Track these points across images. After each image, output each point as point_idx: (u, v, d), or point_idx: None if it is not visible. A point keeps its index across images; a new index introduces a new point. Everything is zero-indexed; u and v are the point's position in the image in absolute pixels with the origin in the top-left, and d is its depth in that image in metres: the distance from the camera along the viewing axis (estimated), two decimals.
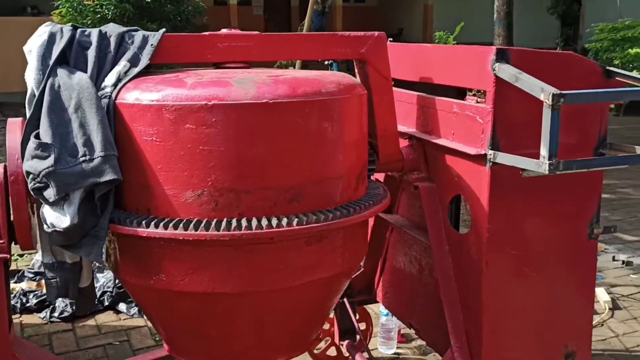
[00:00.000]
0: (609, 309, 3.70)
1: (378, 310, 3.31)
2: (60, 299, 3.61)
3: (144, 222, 1.78)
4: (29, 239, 1.86)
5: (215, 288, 1.85)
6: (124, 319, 3.58)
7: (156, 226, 1.77)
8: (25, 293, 3.67)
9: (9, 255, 1.88)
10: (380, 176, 2.59)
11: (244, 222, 1.76)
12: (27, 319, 3.50)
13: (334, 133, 1.90)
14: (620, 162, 2.05)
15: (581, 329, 2.31)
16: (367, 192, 2.10)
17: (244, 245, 1.81)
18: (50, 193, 1.72)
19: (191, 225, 1.75)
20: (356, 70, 2.25)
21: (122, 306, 3.64)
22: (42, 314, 3.55)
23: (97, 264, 2.59)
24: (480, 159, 2.07)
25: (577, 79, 2.12)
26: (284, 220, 1.79)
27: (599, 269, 4.36)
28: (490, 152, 2.04)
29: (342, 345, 2.98)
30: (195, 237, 1.75)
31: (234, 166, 1.76)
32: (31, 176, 1.73)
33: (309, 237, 1.88)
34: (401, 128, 2.45)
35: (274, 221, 1.78)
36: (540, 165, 1.81)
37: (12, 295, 3.64)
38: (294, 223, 1.79)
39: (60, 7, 5.55)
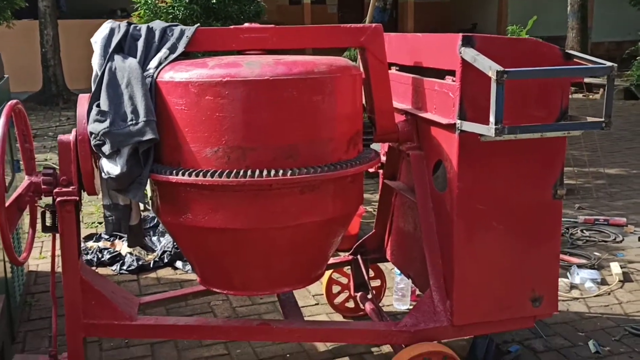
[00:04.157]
0: (619, 280, 3.94)
1: (394, 271, 3.73)
2: (128, 256, 4.29)
3: (174, 171, 2.33)
4: (92, 186, 2.44)
5: (228, 224, 2.37)
6: (180, 274, 4.20)
7: (183, 175, 2.31)
8: (101, 250, 4.38)
9: (79, 198, 2.47)
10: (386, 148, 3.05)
11: (249, 172, 2.28)
12: (101, 270, 4.18)
13: (325, 104, 2.37)
14: (555, 128, 2.40)
15: (547, 277, 2.66)
16: (358, 155, 2.56)
17: (249, 191, 2.32)
18: (106, 148, 2.30)
19: (208, 174, 2.28)
20: (359, 56, 2.72)
21: (178, 263, 4.27)
22: (114, 267, 4.24)
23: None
24: (452, 127, 2.48)
25: (539, 61, 2.48)
26: (280, 172, 2.28)
27: (622, 248, 4.58)
28: (459, 121, 2.44)
29: (356, 296, 3.43)
30: (212, 182, 2.28)
31: (241, 129, 2.28)
32: (93, 135, 2.31)
33: (302, 186, 2.36)
34: (399, 105, 2.88)
35: (272, 172, 2.28)
36: (489, 129, 2.21)
37: (90, 251, 4.36)
38: (288, 174, 2.29)
39: (139, 9, 6.28)
